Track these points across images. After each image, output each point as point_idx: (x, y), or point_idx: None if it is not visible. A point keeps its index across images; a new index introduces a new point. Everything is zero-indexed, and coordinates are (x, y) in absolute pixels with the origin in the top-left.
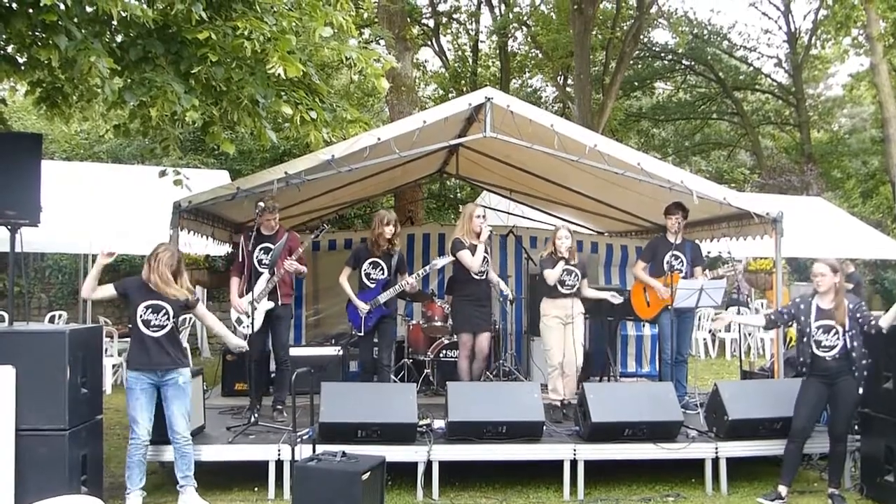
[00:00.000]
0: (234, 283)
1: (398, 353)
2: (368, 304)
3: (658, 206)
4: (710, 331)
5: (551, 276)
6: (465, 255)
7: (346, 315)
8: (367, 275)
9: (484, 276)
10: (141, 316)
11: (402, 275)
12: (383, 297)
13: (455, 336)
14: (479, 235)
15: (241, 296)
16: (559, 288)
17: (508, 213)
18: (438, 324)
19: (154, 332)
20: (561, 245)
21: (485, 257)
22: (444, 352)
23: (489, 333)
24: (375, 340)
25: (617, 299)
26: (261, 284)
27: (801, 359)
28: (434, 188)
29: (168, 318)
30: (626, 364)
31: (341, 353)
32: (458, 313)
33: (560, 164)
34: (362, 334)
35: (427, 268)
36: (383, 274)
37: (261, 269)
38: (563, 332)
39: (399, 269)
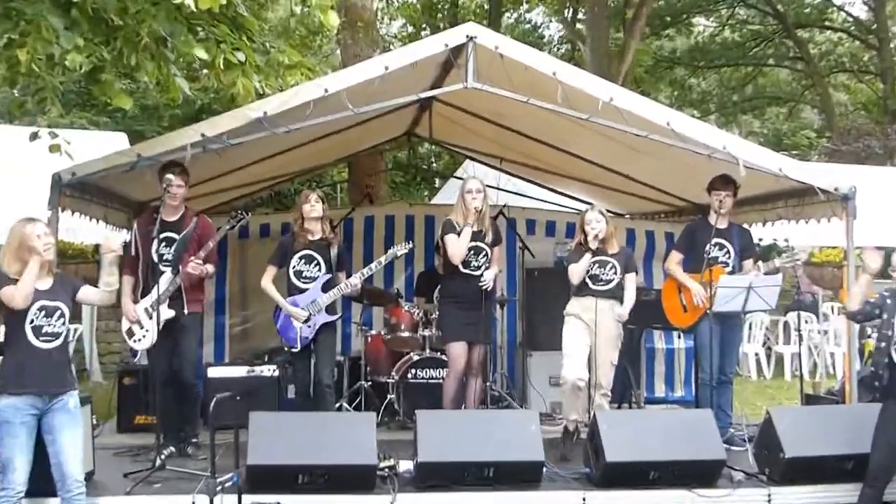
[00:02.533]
0: (127, 283)
1: (352, 372)
2: (305, 308)
3: (697, 180)
4: (764, 343)
5: (574, 272)
6: (448, 241)
7: (277, 326)
8: (299, 273)
9: (478, 272)
10: (32, 322)
11: (342, 272)
12: (324, 301)
13: (427, 351)
14: (477, 215)
15: (135, 301)
16: (588, 283)
17: (498, 188)
18: (406, 334)
19: (46, 342)
20: (589, 233)
21: (482, 249)
22: (413, 371)
23: (483, 347)
24: (313, 357)
25: (621, 309)
26: (162, 286)
27: (879, 371)
28: (400, 156)
29: (64, 323)
30: (653, 386)
31: (277, 373)
32: (444, 318)
33: (566, 125)
34: (298, 349)
35: (374, 264)
36: (320, 270)
37: (161, 267)
38: (583, 338)
39: (339, 264)
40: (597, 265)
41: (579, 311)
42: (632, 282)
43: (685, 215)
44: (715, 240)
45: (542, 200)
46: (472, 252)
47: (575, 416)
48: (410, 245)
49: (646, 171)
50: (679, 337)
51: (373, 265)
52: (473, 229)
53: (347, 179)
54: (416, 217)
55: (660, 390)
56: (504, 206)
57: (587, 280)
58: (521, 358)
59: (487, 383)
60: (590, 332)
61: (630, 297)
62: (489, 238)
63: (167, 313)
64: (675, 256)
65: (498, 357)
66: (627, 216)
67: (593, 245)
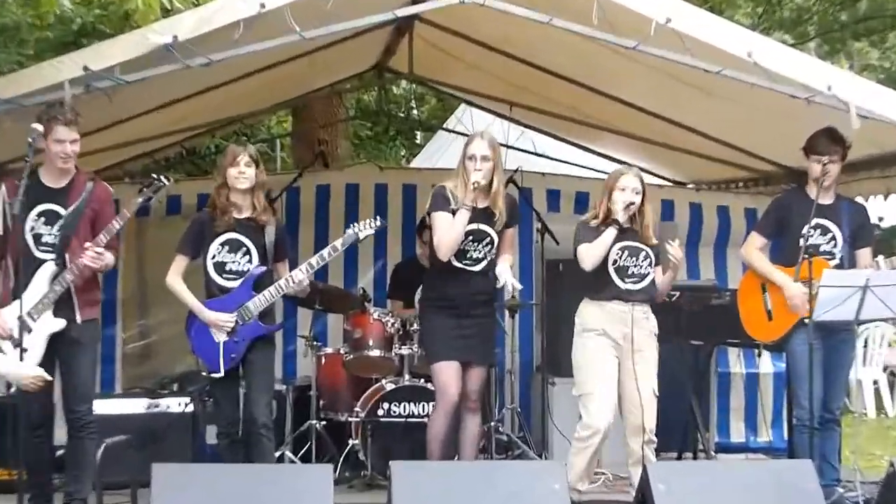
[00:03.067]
0: None
1: (299, 408)
2: (231, 315)
3: (789, 134)
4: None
5: (588, 254)
6: (438, 221)
7: (190, 342)
8: (220, 266)
9: (477, 267)
10: None
11: (282, 263)
12: (257, 305)
13: (406, 377)
14: (479, 191)
15: (1, 304)
16: (614, 279)
17: (507, 145)
18: (375, 353)
19: None
20: (618, 200)
21: (485, 235)
22: (385, 406)
23: (484, 371)
24: (243, 384)
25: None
26: (40, 283)
27: None
28: (367, 100)
29: None
30: (727, 428)
31: (191, 409)
32: (429, 330)
33: (604, 56)
34: (221, 374)
35: (326, 251)
36: (250, 261)
37: (40, 254)
38: (612, 362)
39: (278, 253)
40: (626, 253)
41: (604, 322)
42: (666, 276)
43: (773, 184)
44: (815, 220)
45: (569, 163)
46: (470, 239)
47: (586, 484)
48: (379, 223)
49: (718, 121)
50: (763, 356)
51: (325, 252)
52: (476, 206)
53: (292, 133)
54: (389, 186)
55: (738, 433)
56: (515, 170)
57: (612, 273)
58: (540, 387)
59: (492, 423)
60: (621, 353)
61: (666, 276)
62: (500, 219)
63: (52, 324)
64: (758, 241)
65: (507, 386)
66: (691, 186)
67: (622, 217)
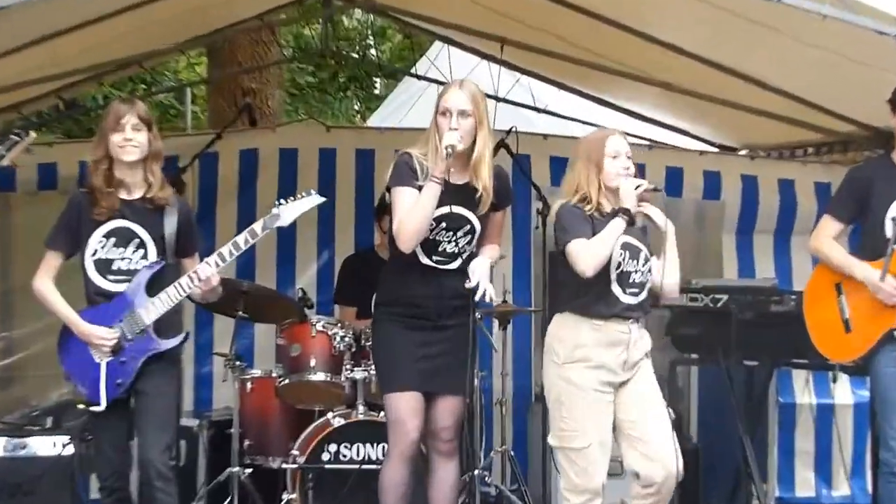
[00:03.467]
0: None
1: (216, 450)
2: (114, 330)
3: (872, 86)
4: None
5: (591, 252)
6: (400, 199)
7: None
8: (104, 264)
9: (452, 265)
10: None
11: (190, 259)
12: (151, 313)
13: (360, 409)
14: (453, 158)
15: None
16: (616, 290)
17: (497, 96)
18: (319, 378)
19: None
20: (614, 173)
21: (465, 222)
22: (331, 449)
23: (459, 403)
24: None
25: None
26: None
27: None
28: (308, 35)
29: None
30: (793, 478)
31: (69, 451)
32: (383, 348)
33: None
34: (103, 407)
35: (243, 237)
36: (144, 256)
37: None
38: (609, 405)
39: (183, 245)
40: (628, 253)
41: (599, 349)
42: (673, 260)
43: (853, 151)
44: None
45: (580, 122)
46: (442, 226)
47: None
48: (316, 197)
49: (780, 66)
50: (839, 380)
51: (240, 239)
52: (451, 181)
53: (207, 79)
54: (339, 152)
55: (806, 485)
56: (508, 131)
57: (614, 282)
58: (541, 423)
59: (475, 471)
60: (618, 389)
61: (670, 269)
62: (484, 199)
63: None
64: (832, 227)
65: (496, 421)
66: (744, 152)
67: (632, 202)
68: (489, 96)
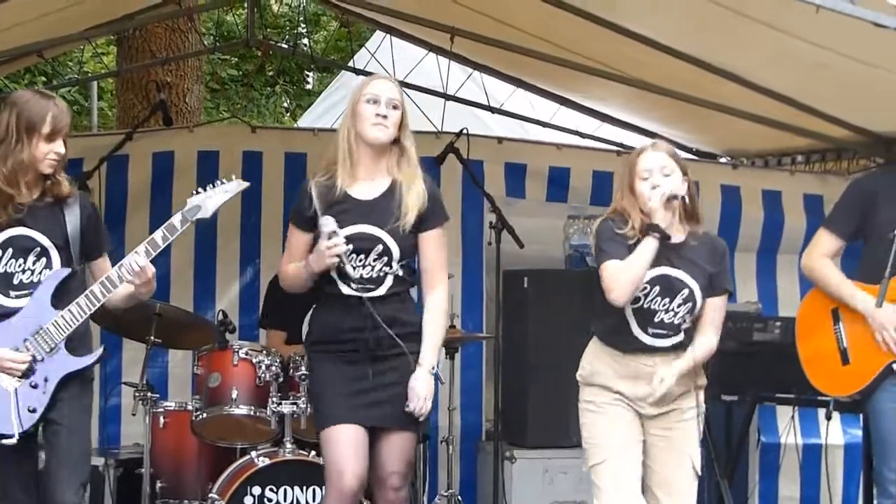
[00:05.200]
0: None
1: (126, 491)
2: (23, 352)
3: (872, 87)
4: None
5: (624, 277)
6: (291, 227)
7: None
8: (5, 279)
9: (384, 291)
10: None
11: (99, 261)
12: (62, 327)
13: (287, 447)
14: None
15: None
16: (633, 327)
17: (446, 95)
18: (242, 412)
19: None
20: (654, 197)
21: (375, 242)
22: (256, 491)
23: (409, 436)
24: (42, 455)
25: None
26: None
27: None
28: (233, 22)
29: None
30: None
31: None
32: (315, 380)
33: None
34: (15, 440)
35: (162, 232)
36: (48, 265)
37: None
38: (634, 434)
39: (90, 246)
40: (658, 287)
41: (621, 384)
42: (720, 311)
43: (849, 159)
44: None
45: (542, 124)
46: (349, 250)
47: None
48: (237, 183)
49: (766, 64)
50: (831, 418)
51: (157, 236)
52: (355, 196)
53: (117, 72)
54: (266, 155)
55: None
56: (458, 134)
57: (630, 318)
58: (493, 463)
59: None
60: (645, 419)
61: (709, 341)
62: (405, 215)
63: None
64: (829, 244)
65: (442, 461)
66: (725, 160)
67: (660, 216)
68: (437, 93)
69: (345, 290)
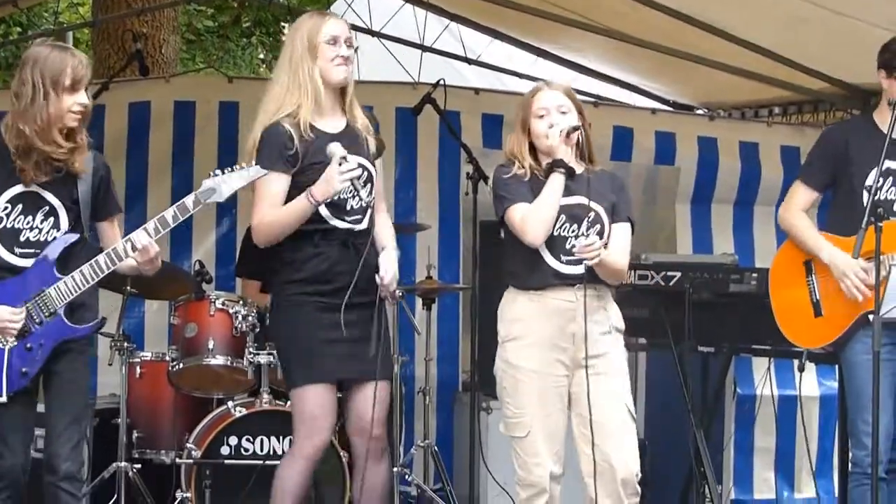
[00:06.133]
0: None
1: (103, 441)
2: (20, 310)
3: (851, 37)
4: None
5: (536, 217)
6: (262, 188)
7: None
8: (11, 234)
9: (365, 225)
10: None
11: (109, 223)
12: (63, 293)
13: (265, 397)
14: (344, 97)
15: None
16: (546, 256)
17: (423, 46)
18: (218, 361)
19: None
20: (552, 135)
21: (364, 169)
22: (232, 441)
23: (386, 386)
24: (41, 408)
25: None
26: None
27: None
28: None
29: None
30: (751, 478)
31: None
32: (288, 332)
33: None
34: (4, 399)
35: (173, 211)
36: (56, 228)
37: None
38: (555, 385)
39: (101, 207)
40: (565, 216)
41: (538, 322)
42: (625, 237)
43: (826, 111)
44: (887, 163)
45: (519, 75)
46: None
47: None
48: (253, 167)
49: (743, 15)
50: (806, 372)
51: (168, 215)
52: (323, 129)
53: (92, 23)
54: (243, 106)
55: (766, 487)
56: (436, 84)
57: (546, 248)
58: (469, 414)
59: (394, 469)
60: (570, 366)
61: (620, 251)
62: (369, 142)
63: None
64: (804, 196)
65: (417, 414)
66: (701, 111)
67: (563, 152)
68: (413, 44)
69: (339, 224)
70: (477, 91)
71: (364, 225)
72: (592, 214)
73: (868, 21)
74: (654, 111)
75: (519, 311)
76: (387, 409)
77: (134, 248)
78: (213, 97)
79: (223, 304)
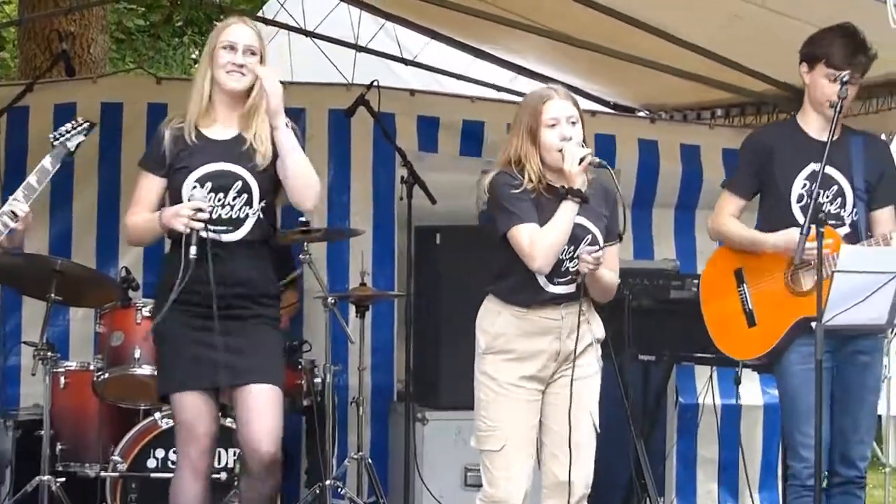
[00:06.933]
0: None
1: (25, 454)
2: None
3: (788, 39)
4: None
5: (544, 243)
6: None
7: None
8: None
9: (241, 235)
10: None
11: None
12: None
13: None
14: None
15: None
16: (538, 278)
17: (357, 46)
18: (145, 371)
19: None
20: (549, 142)
21: (236, 179)
22: (159, 453)
23: (273, 389)
24: None
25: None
26: None
27: None
28: None
29: None
30: (694, 490)
31: None
32: (162, 340)
33: None
34: None
35: (35, 176)
36: None
37: None
38: (532, 402)
39: None
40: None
41: (523, 339)
42: (616, 256)
43: (767, 113)
44: (812, 167)
45: (456, 76)
46: (208, 188)
47: None
48: (88, 123)
49: (685, 15)
50: (744, 381)
51: (32, 180)
52: (210, 137)
53: (17, 21)
54: (172, 107)
55: (707, 498)
56: (369, 86)
57: (543, 275)
58: (404, 425)
59: (326, 482)
60: (546, 379)
61: (614, 268)
62: (263, 148)
63: None
64: (731, 204)
65: (350, 425)
66: (643, 113)
67: (579, 180)
68: (348, 44)
69: (205, 234)
70: (412, 92)
71: (238, 236)
72: (590, 237)
73: (806, 20)
74: (593, 113)
75: (502, 326)
76: (278, 410)
77: (12, 218)
78: (141, 98)
79: (150, 311)
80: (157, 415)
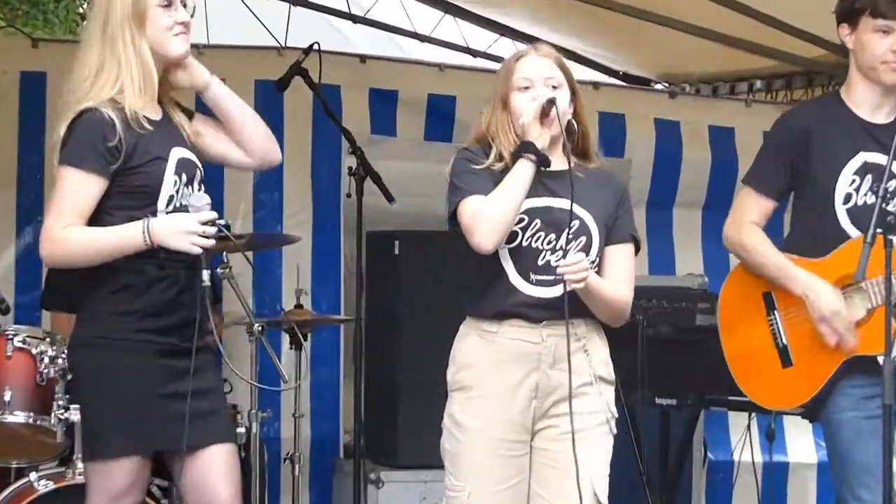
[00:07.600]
0: None
1: None
2: None
3: None
4: None
5: (487, 216)
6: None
7: None
8: None
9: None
10: None
11: None
12: None
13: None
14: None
15: None
16: (510, 274)
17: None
18: (18, 418)
19: None
20: (521, 102)
21: (195, 168)
22: None
23: (233, 449)
24: None
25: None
26: None
27: None
28: None
29: None
30: None
31: None
32: (98, 383)
33: None
34: None
35: None
36: None
37: None
38: (508, 449)
39: None
40: (540, 222)
41: (492, 369)
42: (629, 260)
43: (821, 86)
44: (864, 156)
45: (419, 37)
46: (185, 173)
47: None
48: None
49: None
50: (797, 430)
51: None
52: (152, 118)
53: None
54: (52, 78)
55: None
56: (309, 49)
57: (505, 264)
58: (355, 488)
59: None
60: (529, 431)
61: (619, 289)
62: (185, 119)
63: None
64: (756, 206)
65: (284, 486)
66: (661, 86)
67: (536, 134)
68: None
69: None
70: (363, 58)
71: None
72: (576, 223)
73: None
74: (596, 85)
75: (468, 354)
76: (237, 479)
77: None
78: (12, 65)
79: (24, 341)
80: (33, 475)
